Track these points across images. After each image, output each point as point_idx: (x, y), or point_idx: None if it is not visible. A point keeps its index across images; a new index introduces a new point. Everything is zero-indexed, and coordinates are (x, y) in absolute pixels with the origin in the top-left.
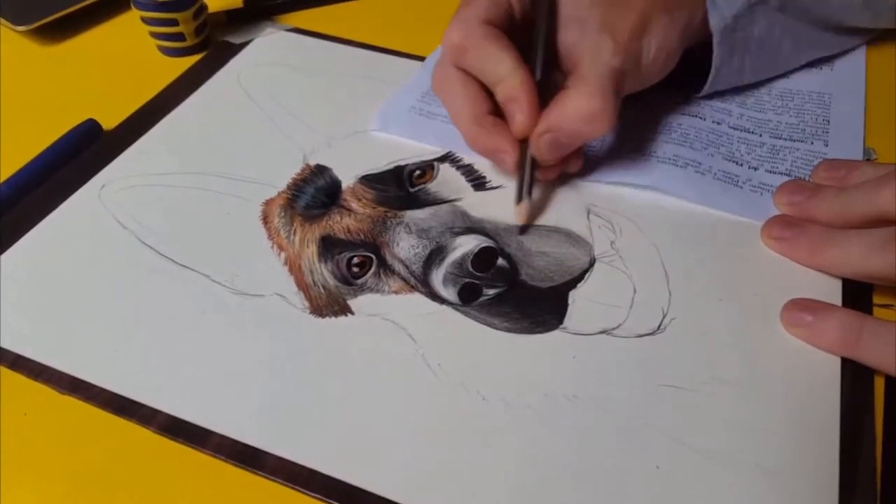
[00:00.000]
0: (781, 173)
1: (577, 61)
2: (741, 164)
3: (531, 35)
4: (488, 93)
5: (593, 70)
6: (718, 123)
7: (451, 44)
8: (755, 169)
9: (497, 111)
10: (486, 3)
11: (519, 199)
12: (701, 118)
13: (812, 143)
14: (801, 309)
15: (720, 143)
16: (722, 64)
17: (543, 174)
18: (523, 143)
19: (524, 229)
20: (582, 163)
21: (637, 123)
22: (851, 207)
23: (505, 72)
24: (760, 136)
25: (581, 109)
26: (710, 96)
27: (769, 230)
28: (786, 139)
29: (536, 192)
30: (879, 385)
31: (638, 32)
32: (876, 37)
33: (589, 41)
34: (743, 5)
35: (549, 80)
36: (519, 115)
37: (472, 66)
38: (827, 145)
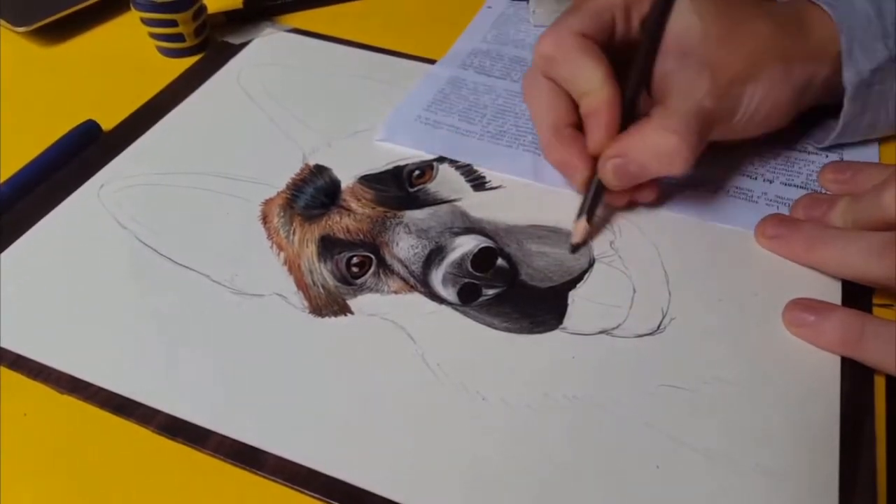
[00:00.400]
0: (797, 186)
1: (668, 92)
2: (755, 178)
3: (629, 56)
4: (575, 106)
5: (681, 105)
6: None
7: (541, 52)
8: (770, 182)
9: (581, 126)
10: (585, 15)
11: (579, 215)
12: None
13: (827, 155)
14: (802, 309)
15: (733, 157)
16: (851, 119)
17: (611, 199)
18: (596, 160)
19: (575, 248)
20: (656, 195)
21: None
22: (860, 214)
23: (593, 84)
24: (773, 146)
25: (656, 143)
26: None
27: (763, 229)
28: (801, 150)
29: (600, 212)
30: (880, 385)
31: (742, 78)
32: None
33: (686, 75)
34: (884, 59)
35: (636, 103)
36: (596, 131)
37: (561, 77)
38: (842, 158)
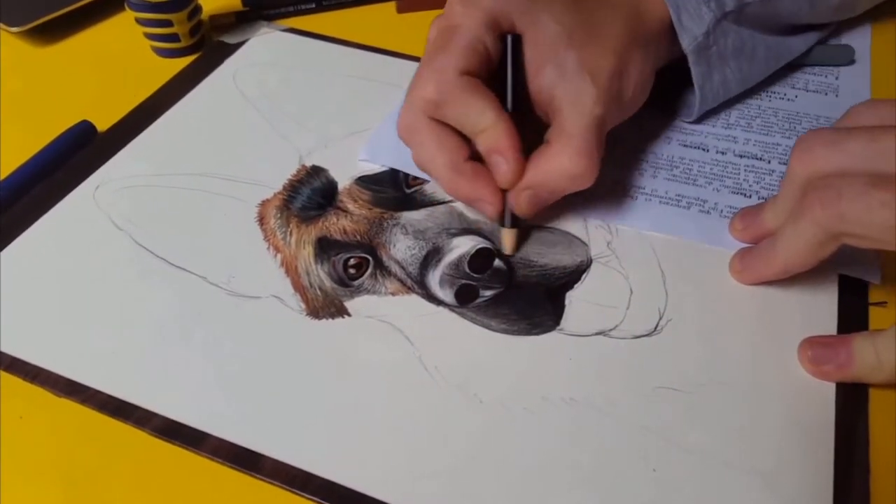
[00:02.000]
0: None
1: (558, 108)
2: (749, 196)
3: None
4: (466, 140)
5: (577, 122)
6: (723, 153)
7: (425, 97)
8: (765, 199)
9: (474, 157)
10: (460, 52)
11: (504, 224)
12: (704, 149)
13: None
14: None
15: (726, 175)
16: (704, 81)
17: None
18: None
19: (511, 256)
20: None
21: (638, 160)
22: (787, 200)
23: (487, 123)
24: (769, 162)
25: (566, 169)
26: (714, 123)
27: (733, 268)
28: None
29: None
30: (875, 389)
31: (617, 73)
32: (878, 61)
33: (569, 86)
34: (711, 22)
35: (523, 119)
36: (504, 167)
37: (450, 119)
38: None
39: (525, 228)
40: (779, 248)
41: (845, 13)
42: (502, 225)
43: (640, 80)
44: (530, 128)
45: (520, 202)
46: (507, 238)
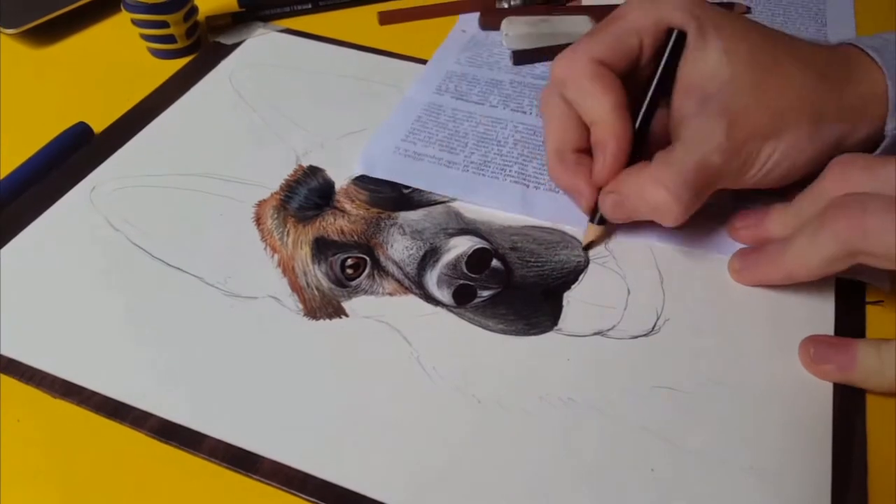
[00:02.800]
0: None
1: (680, 136)
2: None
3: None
4: (586, 129)
5: (683, 157)
6: None
7: (554, 74)
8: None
9: (591, 150)
10: (606, 39)
11: (592, 220)
12: None
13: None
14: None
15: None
16: None
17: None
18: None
19: (586, 248)
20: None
21: None
22: (803, 213)
23: (600, 115)
24: None
25: (647, 193)
26: None
27: (731, 266)
28: None
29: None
30: None
31: (763, 134)
32: None
33: (701, 123)
34: None
35: (645, 134)
36: (600, 165)
37: (573, 100)
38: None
39: (524, 227)
40: (788, 256)
41: None
42: (591, 220)
43: (790, 157)
44: (655, 140)
45: (604, 203)
46: (589, 233)
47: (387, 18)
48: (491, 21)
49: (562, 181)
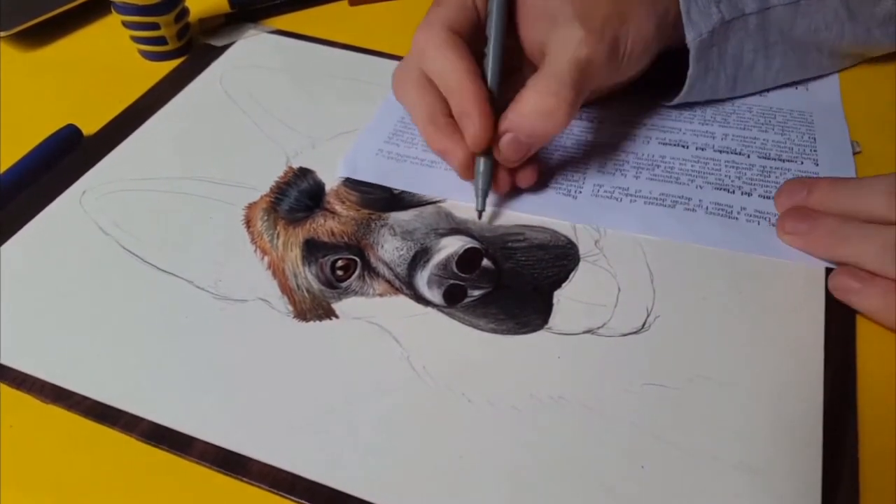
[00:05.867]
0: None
1: (544, 55)
2: (733, 192)
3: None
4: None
5: (555, 64)
6: (702, 149)
7: (415, 46)
8: (748, 195)
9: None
10: (453, 6)
11: (478, 208)
12: (683, 146)
13: (802, 162)
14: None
15: (707, 172)
16: (697, 79)
17: (496, 187)
18: (480, 155)
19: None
20: (535, 178)
21: (619, 160)
22: (860, 205)
23: (456, 81)
24: (748, 156)
25: (536, 105)
26: (691, 119)
27: (783, 225)
28: (775, 159)
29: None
30: (863, 383)
31: (613, 21)
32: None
33: (558, 33)
34: (718, 21)
35: (515, 80)
36: (471, 129)
37: (431, 72)
38: (817, 164)
39: (515, 227)
40: (853, 250)
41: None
42: (477, 208)
43: (640, 37)
44: (522, 83)
45: (502, 149)
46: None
47: (356, 0)
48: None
49: (438, 144)
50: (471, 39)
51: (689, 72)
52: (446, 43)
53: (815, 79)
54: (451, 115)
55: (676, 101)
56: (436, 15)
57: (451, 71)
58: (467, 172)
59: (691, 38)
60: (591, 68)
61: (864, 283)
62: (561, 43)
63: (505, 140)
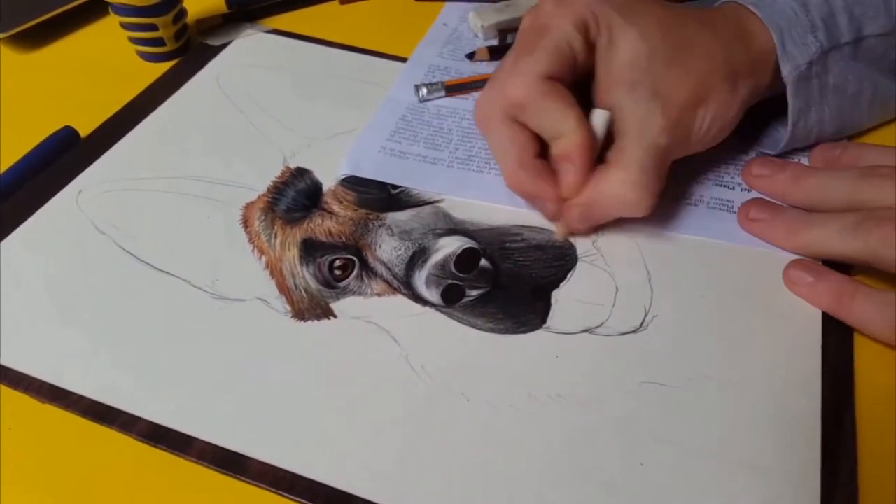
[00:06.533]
0: None
1: (623, 129)
2: (733, 188)
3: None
4: (537, 137)
5: (638, 148)
6: None
7: (511, 100)
8: (748, 191)
9: (543, 154)
10: (546, 54)
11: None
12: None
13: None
14: (803, 269)
15: (708, 169)
16: (799, 118)
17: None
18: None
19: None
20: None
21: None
22: (831, 194)
23: (567, 129)
24: (748, 153)
25: (619, 195)
26: None
27: (746, 211)
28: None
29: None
30: (861, 381)
31: (693, 103)
32: None
33: (638, 111)
34: (816, 52)
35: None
36: (570, 177)
37: (529, 122)
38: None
39: (513, 227)
40: (810, 235)
41: None
42: (560, 235)
43: (719, 116)
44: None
45: (572, 216)
46: (562, 228)
47: None
48: None
49: (527, 188)
50: (570, 84)
51: (790, 111)
52: (550, 94)
53: None
54: (538, 157)
55: (781, 149)
56: (529, 66)
57: (560, 119)
58: (557, 216)
59: (787, 72)
60: (668, 155)
61: (818, 276)
62: (642, 123)
63: (577, 212)
